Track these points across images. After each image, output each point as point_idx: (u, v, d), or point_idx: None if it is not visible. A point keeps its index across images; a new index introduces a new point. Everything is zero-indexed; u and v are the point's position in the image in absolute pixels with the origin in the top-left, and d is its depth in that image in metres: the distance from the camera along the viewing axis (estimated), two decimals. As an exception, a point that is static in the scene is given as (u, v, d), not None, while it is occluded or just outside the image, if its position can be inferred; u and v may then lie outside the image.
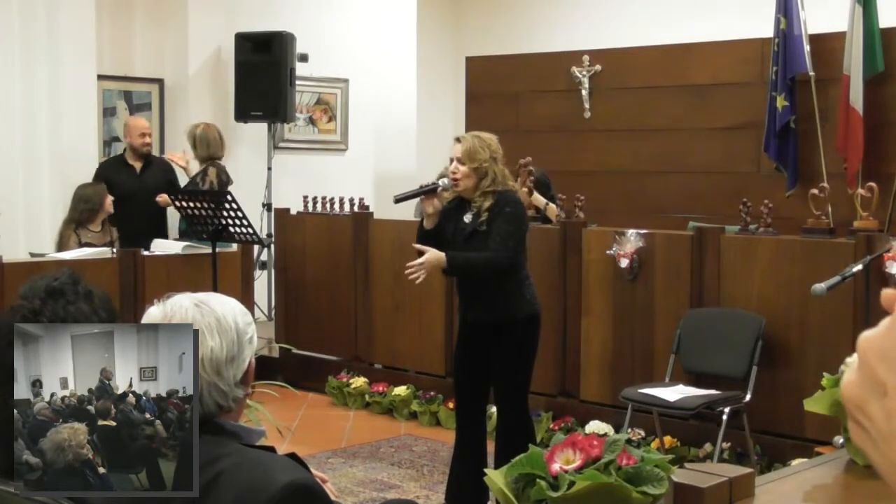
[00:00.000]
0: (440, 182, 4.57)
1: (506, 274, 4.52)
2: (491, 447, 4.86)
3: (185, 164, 7.66)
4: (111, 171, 7.51)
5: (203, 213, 6.45)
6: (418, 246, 4.50)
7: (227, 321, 1.99)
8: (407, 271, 4.49)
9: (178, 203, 6.67)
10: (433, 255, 4.42)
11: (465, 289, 4.65)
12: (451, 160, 4.54)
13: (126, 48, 8.66)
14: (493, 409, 5.11)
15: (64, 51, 7.73)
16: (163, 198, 7.27)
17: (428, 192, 4.56)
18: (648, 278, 5.83)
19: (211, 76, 8.95)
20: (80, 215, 6.89)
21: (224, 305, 2.03)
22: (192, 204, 6.50)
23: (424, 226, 4.61)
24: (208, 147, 7.53)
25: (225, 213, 6.41)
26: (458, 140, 4.58)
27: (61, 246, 6.81)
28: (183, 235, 7.38)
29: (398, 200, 4.72)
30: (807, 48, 7.38)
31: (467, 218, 4.54)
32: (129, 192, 7.17)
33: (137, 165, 7.54)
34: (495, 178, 4.51)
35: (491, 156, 4.51)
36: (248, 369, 2.04)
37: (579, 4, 9.91)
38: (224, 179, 7.54)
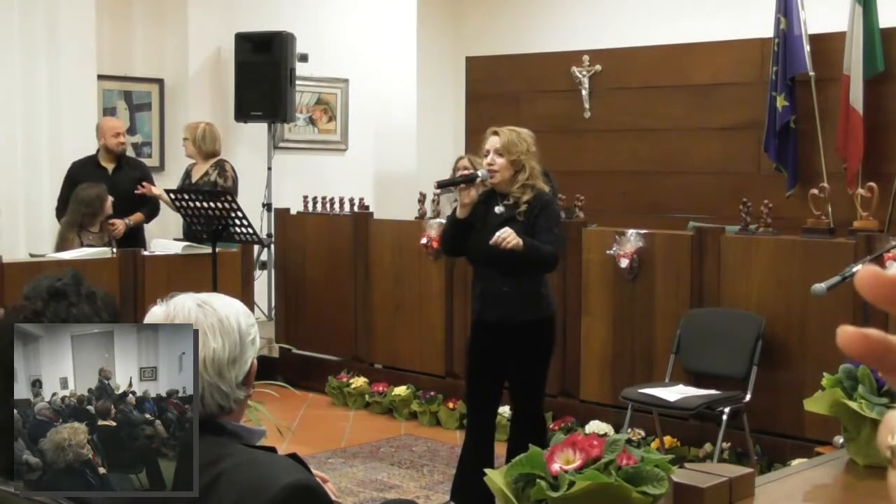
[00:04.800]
0: (479, 173, 4.57)
1: (537, 272, 4.57)
2: (500, 448, 4.85)
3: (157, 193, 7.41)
4: (82, 172, 7.23)
5: (203, 212, 6.45)
6: (499, 234, 4.40)
7: (229, 322, 1.99)
8: (498, 238, 4.34)
9: (178, 203, 6.65)
10: (515, 238, 4.35)
11: (485, 289, 4.61)
12: (487, 151, 4.54)
13: (126, 48, 8.66)
14: (503, 409, 5.10)
15: (64, 51, 7.72)
16: (147, 189, 7.19)
17: (467, 181, 4.56)
18: (648, 278, 5.83)
19: (211, 76, 8.95)
20: (80, 218, 6.87)
21: (227, 306, 2.03)
22: (192, 203, 6.49)
23: (458, 216, 4.59)
24: (214, 143, 7.47)
25: (225, 214, 6.40)
26: (495, 133, 4.57)
27: (62, 248, 6.79)
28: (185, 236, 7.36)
29: (440, 186, 4.75)
30: (807, 48, 7.39)
31: (498, 209, 4.54)
32: None
33: (110, 167, 7.36)
34: (532, 173, 4.53)
35: (528, 149, 4.54)
36: (250, 370, 2.04)
37: (579, 4, 9.91)
38: (237, 176, 7.52)
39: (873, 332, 0.62)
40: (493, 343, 4.60)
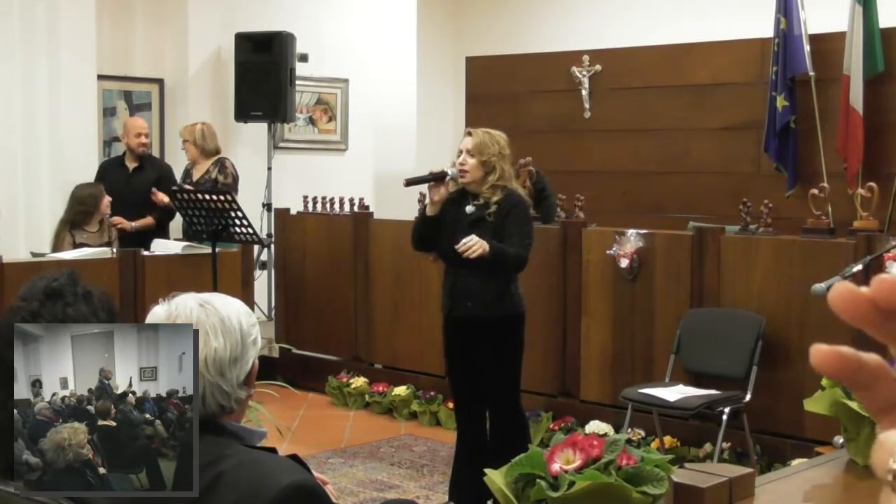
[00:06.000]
0: (449, 171, 4.61)
1: (511, 272, 4.58)
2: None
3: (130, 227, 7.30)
4: (107, 171, 7.51)
5: (203, 207, 6.45)
6: (465, 241, 4.39)
7: (231, 322, 1.99)
8: (463, 246, 4.37)
9: (177, 202, 6.66)
10: (481, 245, 4.36)
11: (455, 285, 4.65)
12: (460, 151, 4.59)
13: (126, 48, 8.66)
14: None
15: (64, 51, 7.72)
16: (156, 196, 7.22)
17: (437, 179, 4.60)
18: (648, 278, 5.83)
19: (211, 76, 8.94)
20: (74, 216, 6.89)
21: (229, 306, 2.03)
22: (192, 203, 6.50)
23: (427, 213, 4.66)
24: (215, 140, 7.56)
25: (225, 213, 6.41)
26: (468, 133, 4.63)
27: (56, 246, 6.81)
28: (184, 235, 7.37)
29: (409, 183, 4.78)
30: (807, 48, 7.39)
31: (469, 208, 4.58)
32: (118, 193, 7.13)
33: (131, 166, 7.50)
34: (503, 174, 4.55)
35: (499, 151, 4.57)
36: (252, 370, 2.04)
37: (579, 4, 9.91)
38: (237, 173, 7.57)
39: (846, 349, 0.59)
40: (464, 339, 4.65)
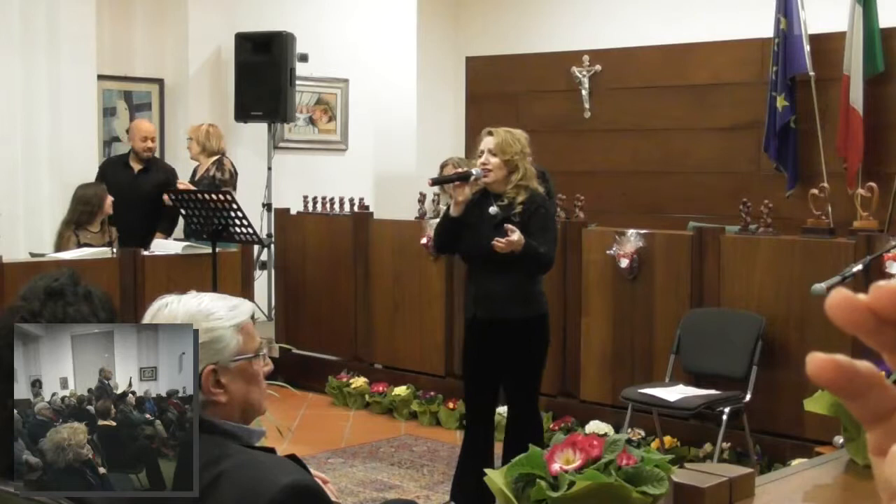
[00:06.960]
0: (473, 171, 4.59)
1: (537, 272, 4.59)
2: (500, 448, 4.86)
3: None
4: (110, 171, 7.51)
5: (202, 207, 6.45)
6: (509, 227, 4.41)
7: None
8: (500, 243, 4.37)
9: (177, 202, 6.66)
10: (520, 236, 4.39)
11: (479, 287, 4.63)
12: (482, 152, 4.58)
13: (126, 48, 8.66)
14: (501, 408, 5.11)
15: (64, 51, 7.72)
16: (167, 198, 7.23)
17: (461, 178, 4.59)
18: (648, 278, 5.83)
19: (211, 76, 8.94)
20: (78, 216, 6.88)
21: (187, 307, 2.00)
22: (191, 203, 6.50)
23: (451, 213, 4.62)
24: (219, 141, 7.60)
25: (225, 213, 6.41)
26: (489, 133, 4.61)
27: (60, 247, 6.80)
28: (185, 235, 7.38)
29: (435, 183, 4.79)
30: (807, 48, 7.38)
31: (493, 209, 4.56)
32: (123, 193, 7.13)
33: (137, 167, 7.51)
34: (525, 174, 4.55)
35: (521, 150, 4.56)
36: (203, 376, 1.97)
37: (579, 4, 9.90)
38: (236, 171, 7.59)
39: (842, 357, 0.58)
40: (488, 342, 4.62)
